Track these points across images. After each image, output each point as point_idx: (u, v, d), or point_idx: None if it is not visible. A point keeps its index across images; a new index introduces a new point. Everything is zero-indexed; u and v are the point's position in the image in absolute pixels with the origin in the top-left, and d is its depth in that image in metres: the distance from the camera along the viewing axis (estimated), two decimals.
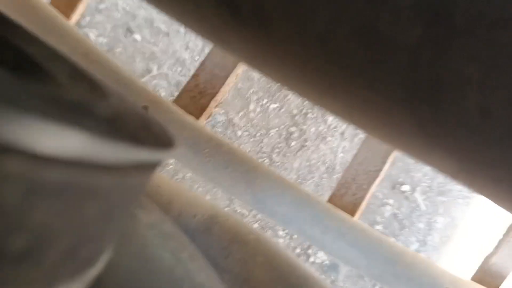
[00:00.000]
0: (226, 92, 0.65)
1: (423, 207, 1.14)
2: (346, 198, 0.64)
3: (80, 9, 0.76)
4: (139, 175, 0.13)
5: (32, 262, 0.10)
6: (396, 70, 0.14)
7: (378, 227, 1.13)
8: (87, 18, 1.13)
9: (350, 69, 0.15)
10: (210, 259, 0.40)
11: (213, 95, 0.63)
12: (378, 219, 1.13)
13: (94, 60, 0.63)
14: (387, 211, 1.13)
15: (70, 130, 0.09)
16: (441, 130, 0.15)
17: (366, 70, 0.15)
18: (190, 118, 0.61)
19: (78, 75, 0.18)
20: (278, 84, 0.23)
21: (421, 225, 1.13)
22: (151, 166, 0.14)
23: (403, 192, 1.14)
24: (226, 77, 0.64)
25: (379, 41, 0.14)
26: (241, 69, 0.66)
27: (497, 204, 0.19)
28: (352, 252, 0.58)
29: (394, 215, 1.13)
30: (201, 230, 0.42)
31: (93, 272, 0.13)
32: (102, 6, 1.15)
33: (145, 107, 0.60)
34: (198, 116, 0.63)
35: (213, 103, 0.63)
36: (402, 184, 1.14)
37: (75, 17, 0.76)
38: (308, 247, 1.10)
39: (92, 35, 1.14)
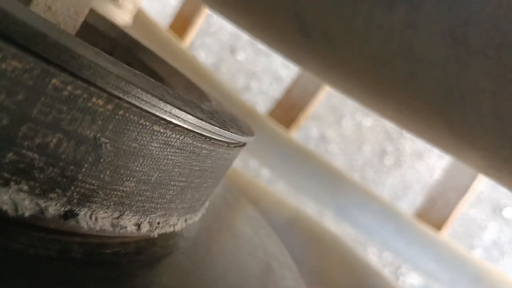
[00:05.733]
0: (315, 106, 0.70)
1: None
2: (432, 213, 0.64)
3: (192, 33, 0.87)
4: (226, 149, 0.19)
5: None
6: (430, 80, 0.18)
7: (476, 251, 1.07)
8: (198, 40, 1.27)
9: (397, 80, 0.20)
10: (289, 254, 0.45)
11: (303, 109, 0.68)
12: (476, 243, 1.08)
13: (202, 76, 0.72)
14: (486, 235, 1.08)
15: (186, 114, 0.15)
16: (466, 130, 0.19)
17: (409, 81, 0.19)
18: (280, 130, 0.66)
19: (191, 86, 0.25)
20: (343, 93, 0.27)
21: None
22: (236, 145, 0.20)
23: (505, 216, 1.08)
24: (317, 92, 0.69)
25: (417, 57, 0.18)
26: None
27: None
28: (434, 267, 0.59)
29: (493, 240, 1.07)
30: (283, 226, 0.47)
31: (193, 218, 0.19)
32: (211, 29, 1.27)
33: None
34: (288, 128, 0.69)
35: (302, 117, 0.68)
36: (504, 207, 1.08)
37: (188, 39, 0.88)
38: (398, 267, 1.09)
39: (203, 54, 1.27)
